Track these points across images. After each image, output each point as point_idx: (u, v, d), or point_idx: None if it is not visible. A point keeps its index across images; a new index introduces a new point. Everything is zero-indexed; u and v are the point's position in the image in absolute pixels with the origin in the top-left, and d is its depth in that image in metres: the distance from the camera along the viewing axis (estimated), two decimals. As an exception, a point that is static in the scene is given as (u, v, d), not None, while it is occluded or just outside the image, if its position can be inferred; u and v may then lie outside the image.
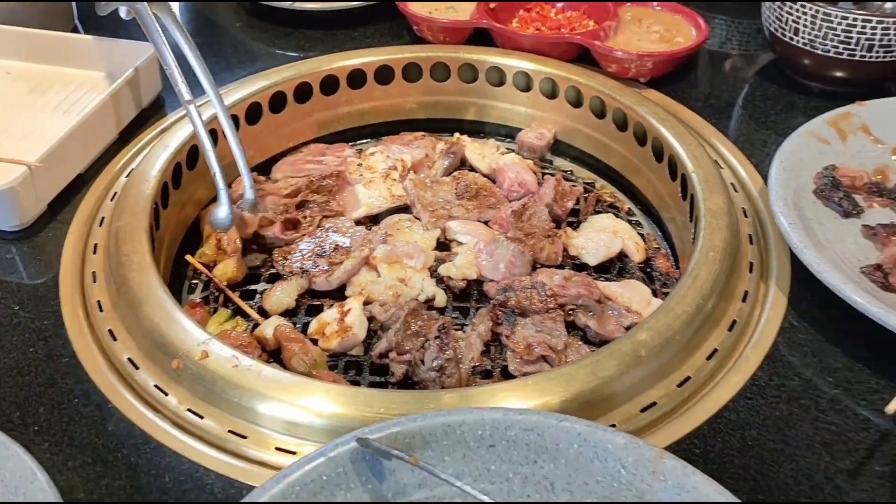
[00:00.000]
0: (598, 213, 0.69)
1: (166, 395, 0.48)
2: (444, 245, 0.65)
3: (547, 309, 0.58)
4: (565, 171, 0.75)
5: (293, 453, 0.46)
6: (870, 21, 0.69)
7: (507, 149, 0.75)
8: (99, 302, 0.54)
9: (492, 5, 0.81)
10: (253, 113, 0.71)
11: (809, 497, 0.44)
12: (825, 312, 0.54)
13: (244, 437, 0.46)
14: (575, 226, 0.67)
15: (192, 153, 0.66)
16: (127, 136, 0.70)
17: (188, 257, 0.63)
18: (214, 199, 0.59)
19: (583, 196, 0.71)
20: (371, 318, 0.58)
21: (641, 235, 0.67)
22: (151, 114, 0.73)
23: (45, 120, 0.70)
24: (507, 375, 0.55)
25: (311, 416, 0.46)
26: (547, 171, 0.74)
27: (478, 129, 0.79)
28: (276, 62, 0.77)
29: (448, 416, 0.43)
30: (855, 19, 0.69)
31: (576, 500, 0.41)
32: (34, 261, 0.58)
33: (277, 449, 0.46)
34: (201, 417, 0.47)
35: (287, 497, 0.40)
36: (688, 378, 0.50)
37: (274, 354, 0.56)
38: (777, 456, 0.46)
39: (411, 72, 0.77)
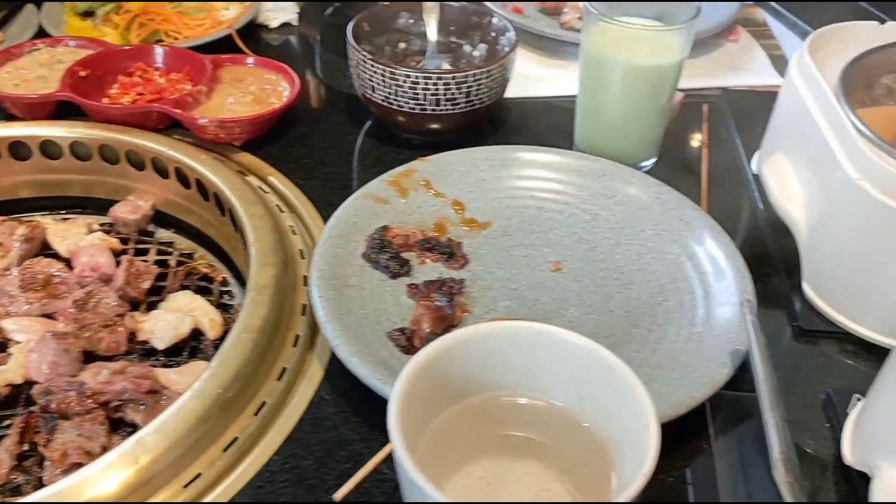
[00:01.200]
0: (184, 288, 0.68)
1: None
2: (1, 345, 0.61)
3: (88, 410, 0.55)
4: (166, 243, 0.73)
5: None
6: (430, 78, 0.72)
7: (102, 225, 0.73)
8: None
9: (82, 73, 0.78)
10: None
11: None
12: (352, 383, 0.55)
13: None
14: (156, 306, 0.66)
15: None
16: None
17: None
18: None
19: (173, 271, 0.69)
20: None
21: (229, 307, 0.67)
22: None
23: None
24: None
25: None
26: (140, 245, 0.72)
27: (83, 206, 0.76)
28: None
29: None
30: (418, 79, 0.72)
31: None
32: None
33: None
34: None
35: None
36: (199, 474, 0.49)
37: None
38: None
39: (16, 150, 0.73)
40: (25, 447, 0.54)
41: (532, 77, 0.88)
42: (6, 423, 0.57)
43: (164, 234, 0.74)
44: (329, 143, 0.79)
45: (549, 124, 0.82)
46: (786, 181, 0.65)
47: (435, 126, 0.76)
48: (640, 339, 0.57)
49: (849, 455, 0.50)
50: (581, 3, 0.93)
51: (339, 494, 0.45)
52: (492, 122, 0.81)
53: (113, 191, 0.75)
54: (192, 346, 0.63)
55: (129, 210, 0.73)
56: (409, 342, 0.56)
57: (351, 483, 0.45)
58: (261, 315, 0.56)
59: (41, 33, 0.89)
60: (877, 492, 0.46)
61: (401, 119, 0.76)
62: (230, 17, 0.91)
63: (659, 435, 0.38)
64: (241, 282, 0.70)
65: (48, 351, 0.58)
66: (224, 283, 0.70)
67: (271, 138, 0.77)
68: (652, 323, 0.58)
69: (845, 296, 0.59)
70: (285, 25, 0.96)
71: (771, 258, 0.66)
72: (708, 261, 0.61)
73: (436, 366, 0.42)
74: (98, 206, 0.76)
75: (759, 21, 1.03)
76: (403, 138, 0.79)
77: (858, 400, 0.52)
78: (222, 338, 0.63)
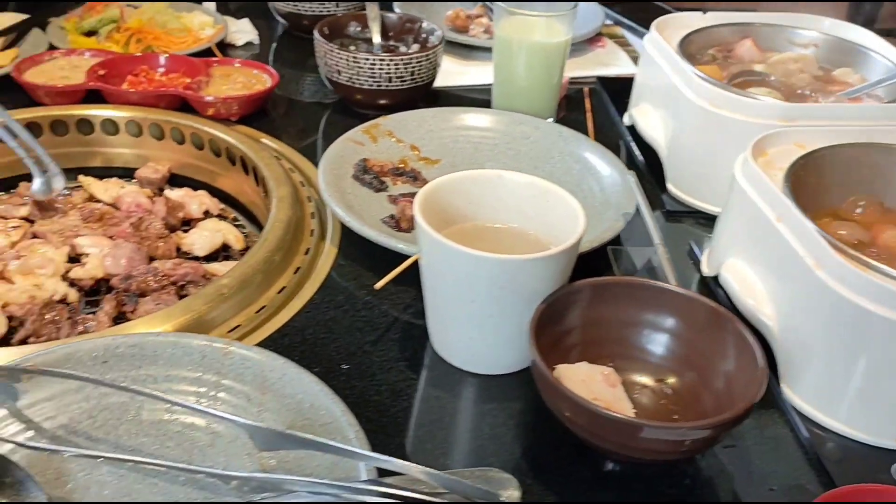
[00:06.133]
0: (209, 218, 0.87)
1: None
2: (76, 259, 0.79)
3: (162, 287, 0.74)
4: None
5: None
6: (385, 60, 0.95)
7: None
8: None
9: (101, 72, 0.97)
10: None
11: (346, 360, 0.64)
12: (362, 252, 0.76)
13: None
14: (188, 230, 0.85)
15: None
16: None
17: None
18: None
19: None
20: (11, 317, 0.70)
21: (243, 232, 0.86)
22: None
23: None
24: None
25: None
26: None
27: (103, 173, 0.94)
28: None
29: (67, 347, 0.57)
30: (375, 60, 0.95)
31: (174, 384, 0.57)
32: None
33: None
34: None
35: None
36: (264, 307, 0.69)
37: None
38: (326, 341, 0.66)
39: (32, 130, 0.90)
40: (114, 313, 0.72)
41: (452, 72, 1.14)
42: (96, 305, 0.74)
43: (178, 191, 0.93)
44: (304, 119, 1.01)
45: (469, 100, 1.07)
46: (650, 122, 0.92)
47: (385, 101, 1.00)
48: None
49: (706, 268, 0.75)
50: (484, 20, 1.20)
51: (379, 285, 0.66)
52: (426, 100, 1.05)
53: (129, 160, 0.94)
54: (223, 255, 0.82)
55: (152, 171, 0.92)
56: (397, 224, 0.78)
57: (387, 278, 0.66)
58: (286, 213, 0.77)
59: (51, 49, 1.07)
60: (724, 276, 0.70)
61: (358, 97, 0.99)
62: (206, 35, 1.12)
63: (585, 224, 0.61)
64: (250, 218, 0.89)
65: (124, 251, 0.76)
66: (235, 219, 0.89)
67: (258, 116, 0.98)
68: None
69: (692, 184, 0.86)
70: (248, 44, 1.18)
71: (638, 168, 0.92)
72: (599, 167, 0.86)
73: (434, 195, 0.64)
74: (117, 174, 0.94)
75: (619, 34, 1.33)
76: (361, 114, 1.01)
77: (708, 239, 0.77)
78: (245, 249, 0.83)
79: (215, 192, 0.92)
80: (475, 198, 0.66)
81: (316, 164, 0.91)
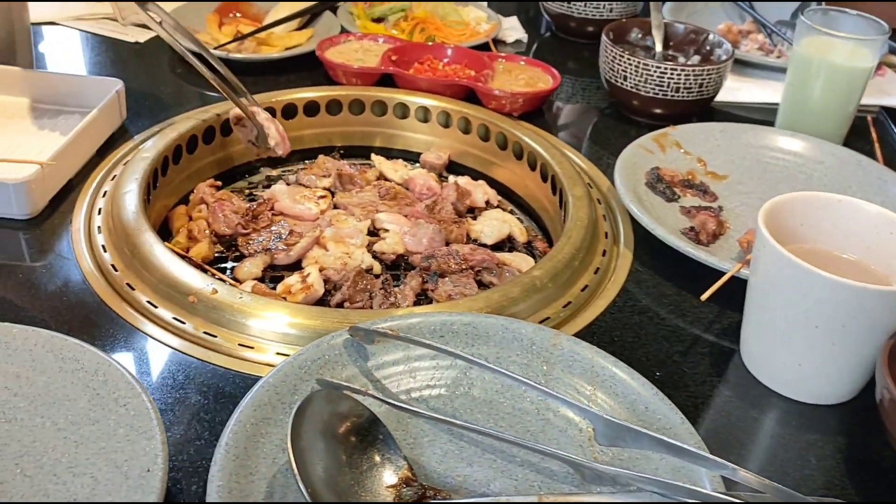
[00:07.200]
0: (490, 208, 0.89)
1: (184, 323, 0.63)
2: (374, 233, 0.83)
3: (461, 270, 0.76)
4: (459, 184, 0.94)
5: (287, 355, 0.61)
6: (676, 70, 0.94)
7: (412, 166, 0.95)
8: (113, 265, 0.68)
9: (393, 57, 1.02)
10: (211, 132, 0.87)
11: (658, 367, 0.64)
12: (658, 261, 0.75)
13: (251, 347, 0.61)
14: (473, 217, 0.87)
15: (165, 164, 0.81)
16: (102, 153, 0.83)
17: (165, 244, 0.77)
18: (178, 203, 0.79)
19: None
20: (326, 280, 0.74)
21: (522, 224, 0.88)
22: (119, 135, 0.87)
23: (28, 141, 0.83)
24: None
25: (297, 329, 0.62)
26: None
27: (385, 154, 0.98)
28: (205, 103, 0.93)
29: (410, 318, 0.60)
30: (666, 69, 0.94)
31: (501, 367, 0.59)
32: (47, 240, 0.71)
33: (277, 353, 0.61)
34: (214, 337, 0.62)
35: (302, 368, 0.55)
36: (569, 302, 0.69)
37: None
38: (634, 345, 0.66)
39: (332, 107, 0.96)
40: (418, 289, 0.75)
41: (725, 87, 1.10)
42: (396, 279, 0.77)
43: (454, 178, 0.96)
44: (574, 119, 1.02)
45: (743, 118, 1.04)
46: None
47: (660, 111, 0.98)
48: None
49: None
50: (759, 37, 1.16)
51: (705, 296, 0.65)
52: (699, 114, 1.03)
53: (411, 143, 0.98)
54: (508, 246, 0.84)
55: (435, 157, 0.95)
56: (696, 236, 0.77)
57: (713, 288, 0.65)
58: (585, 212, 0.77)
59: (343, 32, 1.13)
60: None
61: (635, 103, 0.99)
62: (482, 30, 1.15)
63: None
64: (524, 211, 0.91)
65: (426, 231, 0.79)
66: (512, 211, 0.91)
67: (535, 115, 1.00)
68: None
69: None
70: (517, 41, 1.20)
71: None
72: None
73: (773, 212, 0.62)
74: (395, 155, 0.98)
75: (896, 63, 1.25)
76: (632, 119, 1.01)
77: None
78: (528, 243, 0.85)
79: (487, 181, 0.94)
80: (812, 220, 0.64)
81: (595, 165, 0.91)
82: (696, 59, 1.05)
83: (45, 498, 0.47)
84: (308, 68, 1.06)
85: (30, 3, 0.97)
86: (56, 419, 0.51)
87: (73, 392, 0.52)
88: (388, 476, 0.50)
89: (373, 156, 0.95)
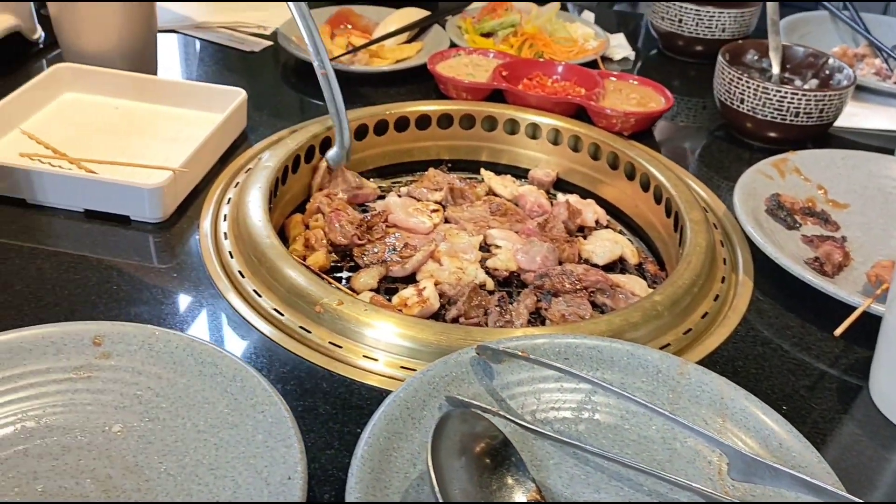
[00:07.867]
0: (600, 228, 0.89)
1: (310, 332, 0.64)
2: (485, 248, 0.83)
3: (574, 290, 0.75)
4: (566, 202, 0.94)
5: (413, 370, 0.61)
6: (797, 94, 0.92)
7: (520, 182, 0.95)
8: (240, 271, 0.70)
9: (504, 72, 1.02)
10: (327, 143, 0.89)
11: (784, 402, 0.62)
12: (780, 290, 0.74)
13: (375, 359, 0.62)
14: (583, 236, 0.86)
15: (285, 173, 0.82)
16: (225, 159, 0.86)
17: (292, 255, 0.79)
18: (295, 211, 0.81)
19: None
20: (441, 294, 0.74)
21: (633, 246, 0.87)
22: (240, 142, 0.89)
23: (156, 146, 0.86)
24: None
25: (421, 344, 0.62)
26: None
27: (491, 168, 0.98)
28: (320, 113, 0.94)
29: (535, 339, 0.60)
30: (786, 93, 0.92)
31: (628, 392, 0.58)
32: (176, 243, 0.73)
33: (402, 367, 0.62)
34: (340, 347, 0.63)
35: (431, 384, 0.55)
36: (690, 329, 0.68)
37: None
38: (759, 377, 0.64)
39: (442, 121, 0.96)
40: (532, 308, 0.75)
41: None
42: (509, 296, 0.77)
43: (562, 196, 0.96)
44: (684, 140, 1.00)
45: (860, 144, 1.01)
46: None
47: (775, 135, 0.96)
48: None
49: None
50: (876, 61, 1.12)
51: (839, 331, 0.63)
52: (814, 140, 1.01)
53: (513, 158, 0.98)
54: (620, 267, 0.83)
55: (544, 174, 0.95)
56: (821, 267, 0.74)
57: (846, 323, 0.63)
58: (704, 237, 0.76)
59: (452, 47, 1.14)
60: None
61: (749, 125, 0.97)
62: (590, 47, 1.15)
63: None
64: (633, 232, 0.90)
65: (539, 249, 0.79)
66: (621, 232, 0.90)
67: (644, 134, 0.99)
68: None
69: None
70: (623, 59, 1.20)
71: None
72: None
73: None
74: (501, 170, 0.98)
75: None
76: (743, 142, 0.99)
77: None
78: (639, 265, 0.83)
79: (595, 201, 0.94)
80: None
81: (710, 188, 0.90)
82: (813, 83, 1.02)
83: (188, 497, 0.49)
84: (418, 81, 1.07)
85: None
86: (196, 421, 0.53)
87: (212, 396, 0.54)
88: (518, 497, 0.50)
89: (482, 171, 0.95)
